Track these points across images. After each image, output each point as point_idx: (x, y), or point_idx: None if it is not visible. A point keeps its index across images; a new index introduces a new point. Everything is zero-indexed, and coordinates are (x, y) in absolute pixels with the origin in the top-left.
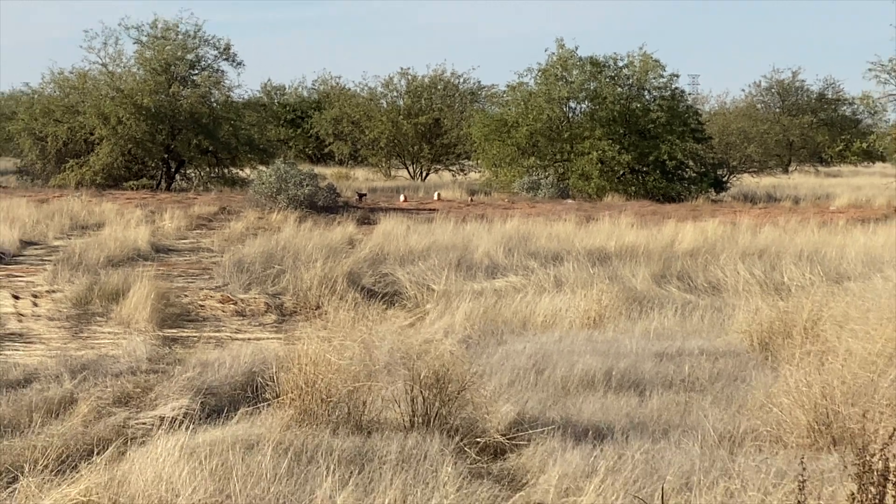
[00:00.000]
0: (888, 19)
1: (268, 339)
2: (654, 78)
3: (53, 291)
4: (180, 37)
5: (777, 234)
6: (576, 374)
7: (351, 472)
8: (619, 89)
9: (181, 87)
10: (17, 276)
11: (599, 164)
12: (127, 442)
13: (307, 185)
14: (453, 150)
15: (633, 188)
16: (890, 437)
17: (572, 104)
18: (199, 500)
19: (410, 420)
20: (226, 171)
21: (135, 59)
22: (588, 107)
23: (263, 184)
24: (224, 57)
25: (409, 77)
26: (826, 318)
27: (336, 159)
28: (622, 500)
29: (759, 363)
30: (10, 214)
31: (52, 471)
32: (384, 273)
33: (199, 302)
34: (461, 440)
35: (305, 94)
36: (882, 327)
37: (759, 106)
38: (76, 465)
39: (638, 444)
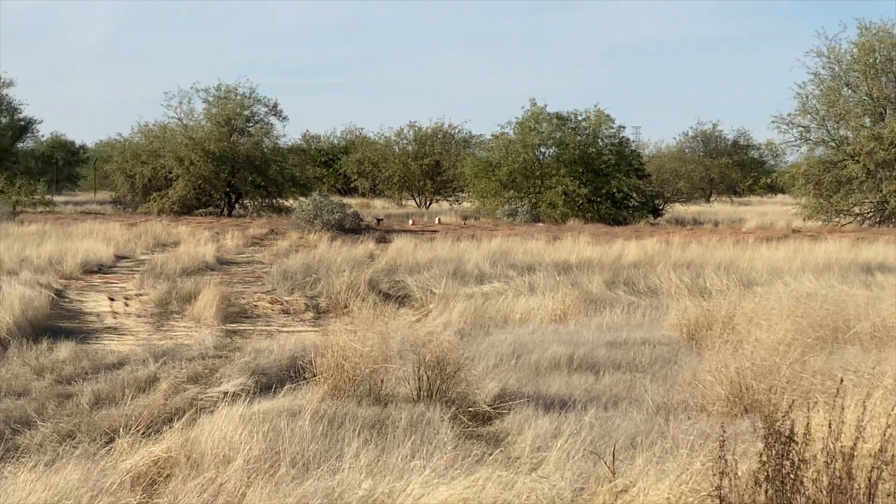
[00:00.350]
0: (788, 83)
1: (307, 331)
2: (606, 129)
3: (140, 294)
4: (238, 97)
5: (701, 249)
6: (545, 359)
7: (372, 435)
8: (579, 137)
9: (239, 137)
10: (112, 283)
11: (563, 196)
12: (198, 411)
13: (337, 212)
14: (450, 185)
15: (589, 214)
16: (790, 407)
17: (542, 149)
18: (254, 456)
19: (417, 394)
20: (274, 201)
21: (203, 114)
22: (555, 151)
23: (303, 211)
24: (272, 113)
25: (416, 128)
26: (739, 314)
27: (359, 192)
28: (581, 455)
29: (687, 350)
30: (106, 235)
31: (140, 433)
32: (397, 280)
33: (254, 303)
34: (457, 409)
35: (335, 141)
36: (782, 322)
37: (686, 150)
38: (159, 428)
39: (594, 412)
